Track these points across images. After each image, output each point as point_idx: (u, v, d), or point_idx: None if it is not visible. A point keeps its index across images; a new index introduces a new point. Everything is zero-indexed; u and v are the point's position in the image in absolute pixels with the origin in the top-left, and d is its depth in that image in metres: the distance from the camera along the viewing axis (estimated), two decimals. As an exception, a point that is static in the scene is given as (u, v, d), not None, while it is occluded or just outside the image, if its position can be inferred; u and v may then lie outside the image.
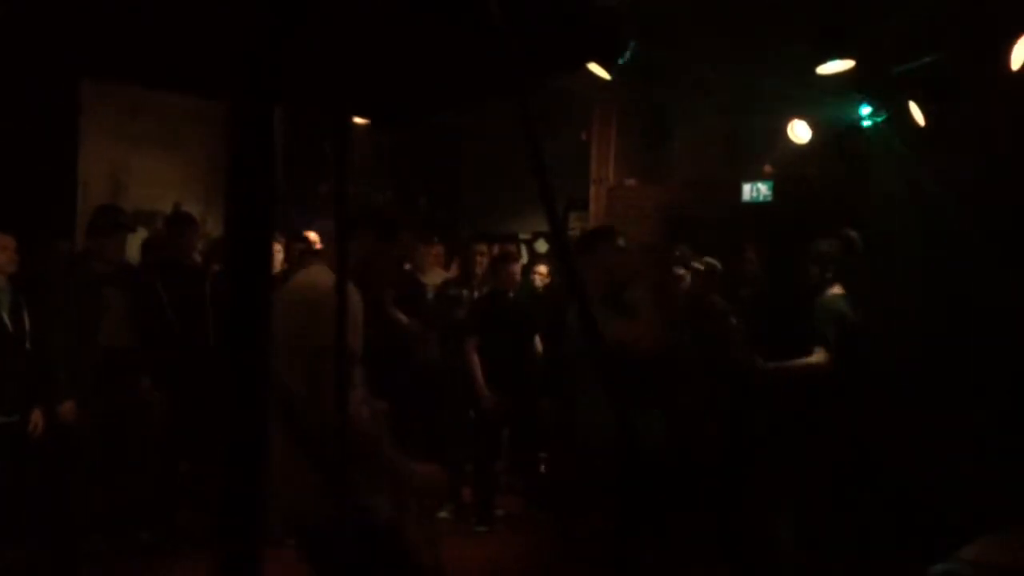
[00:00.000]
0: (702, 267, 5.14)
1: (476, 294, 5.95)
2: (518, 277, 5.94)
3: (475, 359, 5.53)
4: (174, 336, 4.85)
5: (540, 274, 6.53)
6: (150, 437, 4.85)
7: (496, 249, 6.50)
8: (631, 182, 8.06)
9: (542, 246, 9.07)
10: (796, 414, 4.25)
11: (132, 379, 4.72)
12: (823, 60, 5.42)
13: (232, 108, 1.12)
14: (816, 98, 6.26)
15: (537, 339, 5.86)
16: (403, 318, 5.72)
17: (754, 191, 7.24)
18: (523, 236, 9.12)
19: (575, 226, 8.81)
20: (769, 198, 7.15)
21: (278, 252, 5.56)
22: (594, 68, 6.07)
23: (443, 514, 5.69)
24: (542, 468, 6.15)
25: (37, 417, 4.18)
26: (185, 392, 4.76)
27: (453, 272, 6.52)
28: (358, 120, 8.74)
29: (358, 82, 1.11)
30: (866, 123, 6.28)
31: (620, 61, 5.94)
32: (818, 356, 4.36)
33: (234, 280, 1.12)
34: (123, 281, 4.78)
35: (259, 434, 1.11)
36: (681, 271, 5.18)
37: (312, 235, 6.30)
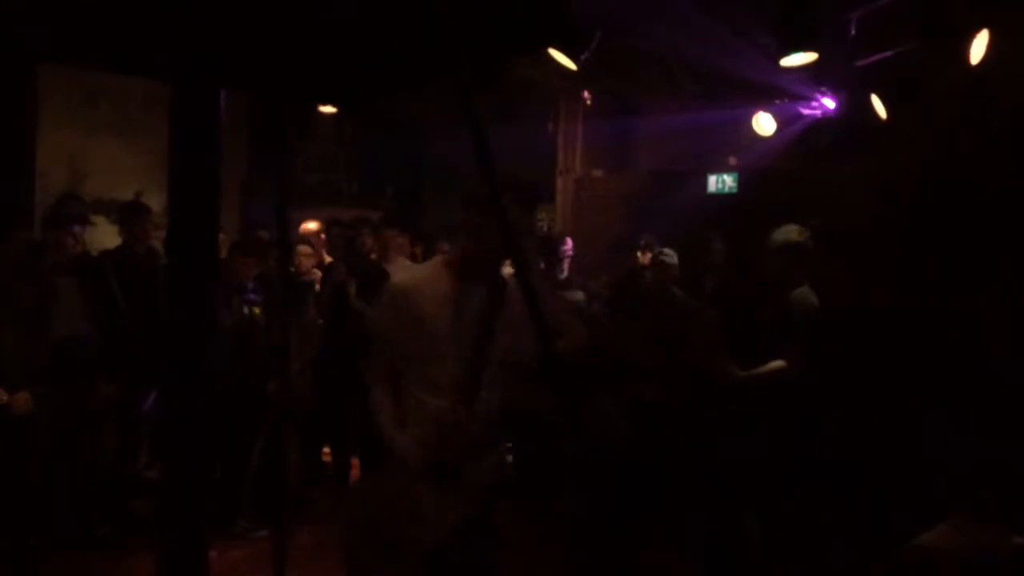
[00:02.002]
0: (662, 260, 5.13)
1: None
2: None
3: None
4: (126, 327, 4.80)
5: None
6: (104, 429, 4.80)
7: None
8: (598, 173, 8.09)
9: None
10: (763, 410, 4.22)
11: (86, 370, 4.65)
12: (787, 52, 5.45)
13: (175, 90, 1.10)
14: (781, 90, 6.31)
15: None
16: (369, 310, 5.69)
17: (719, 182, 7.29)
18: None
19: (542, 217, 8.81)
20: (734, 189, 7.20)
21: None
22: (560, 58, 6.05)
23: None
24: (509, 458, 6.15)
25: None
26: (138, 383, 4.72)
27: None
28: (324, 109, 8.69)
29: (302, 64, 1.09)
30: (830, 116, 6.34)
31: (585, 51, 5.93)
32: (788, 359, 4.18)
33: (177, 267, 1.10)
34: (78, 271, 4.71)
35: (201, 424, 1.10)
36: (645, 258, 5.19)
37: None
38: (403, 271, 2.95)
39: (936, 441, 4.23)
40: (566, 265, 5.90)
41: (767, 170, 6.86)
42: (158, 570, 1.04)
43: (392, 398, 2.74)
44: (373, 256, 6.13)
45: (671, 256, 5.16)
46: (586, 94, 7.68)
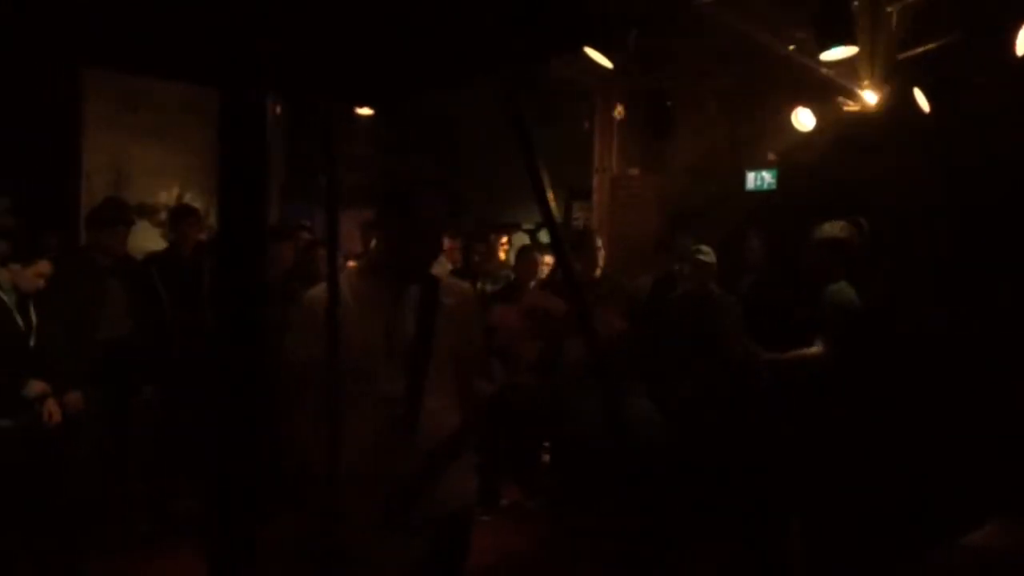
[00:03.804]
0: (699, 259, 5.11)
1: (479, 285, 5.99)
2: (538, 268, 6.06)
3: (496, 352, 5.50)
4: (170, 328, 4.88)
5: (547, 264, 6.53)
6: (148, 428, 4.88)
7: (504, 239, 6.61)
8: (634, 171, 8.05)
9: (546, 235, 9.02)
10: (799, 405, 4.19)
11: (131, 371, 4.74)
12: (827, 46, 5.38)
13: (223, 97, 1.12)
14: (821, 85, 6.23)
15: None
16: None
17: (758, 179, 7.22)
18: (527, 225, 9.11)
19: (579, 215, 8.79)
20: (773, 186, 7.13)
21: None
22: (596, 56, 6.04)
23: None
24: (545, 458, 6.16)
25: (52, 406, 4.17)
26: (181, 384, 4.79)
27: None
28: (362, 111, 8.74)
29: (346, 68, 1.11)
30: (871, 110, 6.24)
31: (622, 49, 5.92)
32: (817, 347, 4.23)
33: (227, 269, 1.12)
34: (123, 273, 4.80)
35: (252, 425, 1.12)
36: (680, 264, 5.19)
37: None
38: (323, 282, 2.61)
39: (983, 441, 4.16)
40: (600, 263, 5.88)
41: (807, 166, 6.78)
42: (209, 567, 1.06)
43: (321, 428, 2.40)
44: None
45: (709, 254, 5.13)
46: (619, 108, 7.65)
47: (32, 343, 4.18)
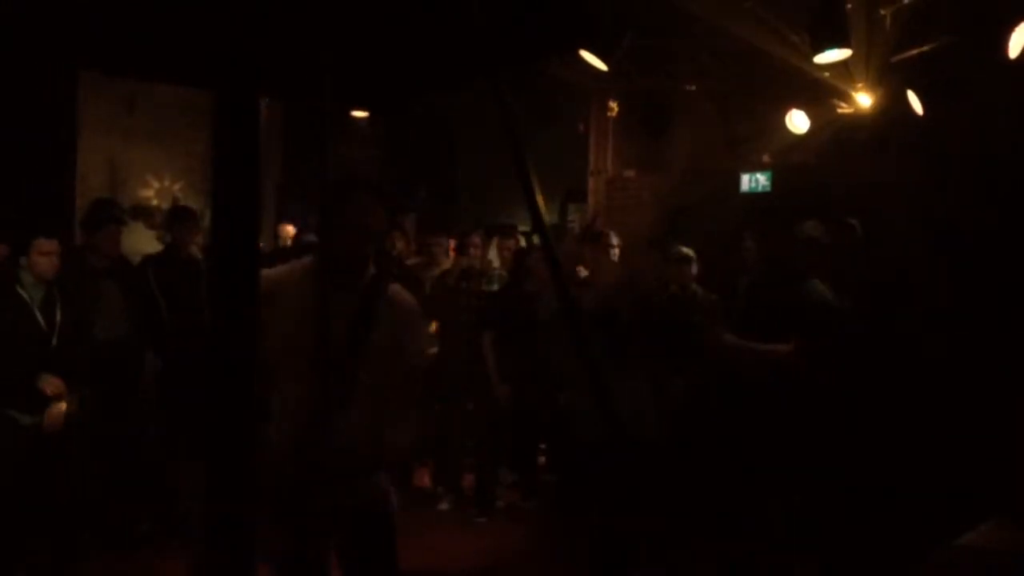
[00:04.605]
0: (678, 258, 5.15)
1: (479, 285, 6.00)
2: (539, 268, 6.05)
3: (492, 353, 5.49)
4: (166, 329, 4.88)
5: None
6: (147, 429, 4.87)
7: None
8: (629, 173, 8.06)
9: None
10: (766, 399, 4.21)
11: (129, 372, 4.73)
12: (821, 49, 5.40)
13: (220, 99, 1.12)
14: (815, 87, 6.25)
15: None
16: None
17: (753, 181, 7.24)
18: (523, 228, 9.12)
19: (574, 217, 8.80)
20: (768, 188, 7.14)
21: None
22: (591, 59, 6.05)
23: (443, 505, 5.70)
24: (541, 460, 6.16)
25: (56, 410, 4.16)
26: (177, 383, 4.79)
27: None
28: (358, 113, 8.76)
29: (341, 69, 1.12)
30: (865, 112, 6.27)
31: (617, 52, 5.92)
32: (787, 345, 4.28)
33: (220, 270, 1.12)
34: (118, 274, 4.79)
35: (247, 424, 1.12)
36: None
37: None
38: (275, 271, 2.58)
39: (977, 442, 4.18)
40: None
41: (801, 168, 6.80)
42: (208, 569, 1.06)
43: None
44: (411, 261, 6.20)
45: (688, 254, 5.19)
46: (613, 105, 7.66)
47: (55, 342, 4.18)
